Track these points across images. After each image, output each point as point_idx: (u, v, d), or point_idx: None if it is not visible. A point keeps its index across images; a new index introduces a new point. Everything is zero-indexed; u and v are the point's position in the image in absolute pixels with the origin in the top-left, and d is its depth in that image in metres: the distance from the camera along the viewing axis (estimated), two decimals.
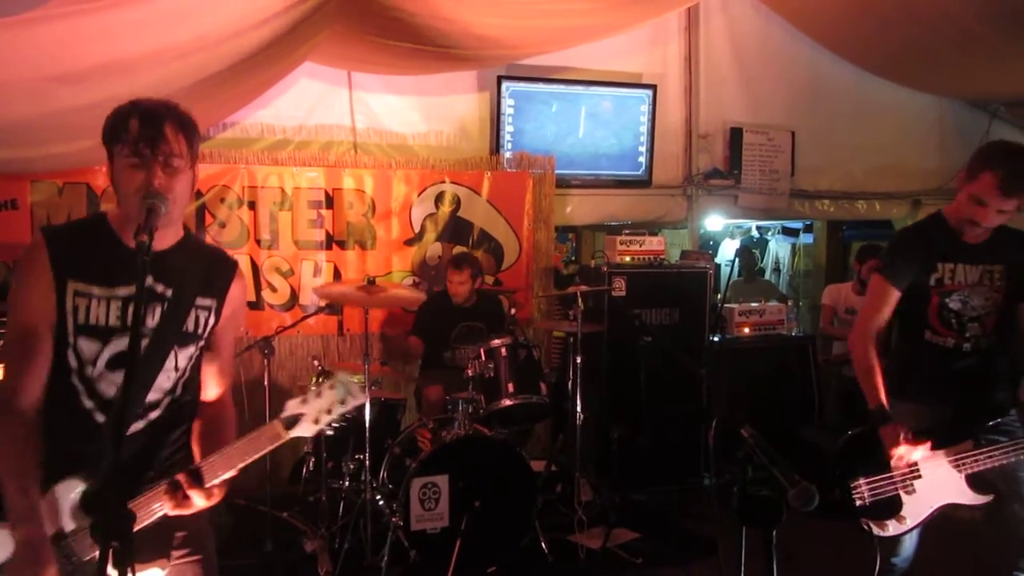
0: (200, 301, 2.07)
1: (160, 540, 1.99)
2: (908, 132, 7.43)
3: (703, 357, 5.77)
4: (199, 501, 1.86)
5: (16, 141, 4.23)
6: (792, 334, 6.25)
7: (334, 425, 1.97)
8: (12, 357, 1.95)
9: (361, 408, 4.30)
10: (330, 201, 5.56)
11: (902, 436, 2.81)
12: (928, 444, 2.85)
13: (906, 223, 7.74)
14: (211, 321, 2.10)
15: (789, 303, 6.53)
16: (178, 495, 1.84)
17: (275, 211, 5.45)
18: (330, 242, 5.59)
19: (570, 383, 4.87)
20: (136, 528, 1.82)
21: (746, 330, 6.01)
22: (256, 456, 1.91)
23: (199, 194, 5.23)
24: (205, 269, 2.11)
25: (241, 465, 1.90)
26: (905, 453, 2.83)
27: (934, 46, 6.13)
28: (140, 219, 1.84)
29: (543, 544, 4.43)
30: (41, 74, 3.64)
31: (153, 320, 1.99)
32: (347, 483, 4.55)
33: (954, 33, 5.77)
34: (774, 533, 2.13)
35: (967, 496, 2.87)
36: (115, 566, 1.51)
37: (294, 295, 5.52)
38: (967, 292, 2.90)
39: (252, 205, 5.40)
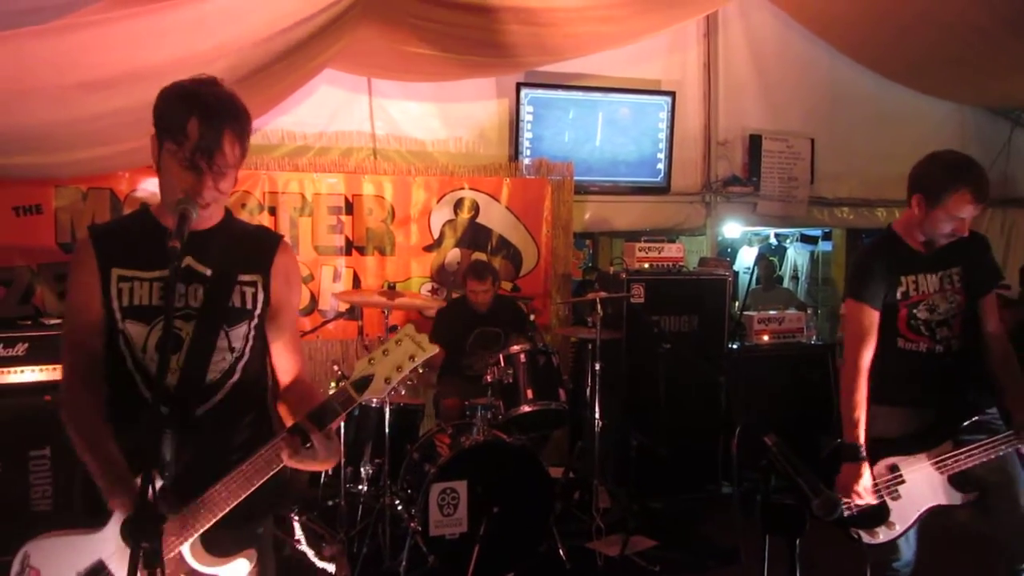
0: (243, 277, 2.06)
1: (246, 534, 1.99)
2: (929, 139, 7.30)
3: (722, 365, 5.75)
4: (321, 448, 1.85)
5: (41, 147, 4.27)
6: (811, 342, 6.21)
7: (408, 382, 1.94)
8: (68, 352, 2.00)
9: (381, 414, 4.32)
10: (350, 207, 5.59)
11: (861, 482, 2.87)
12: (874, 501, 2.92)
13: None
14: (260, 296, 2.07)
15: (808, 311, 6.49)
16: (297, 439, 1.83)
17: (295, 217, 5.48)
18: (349, 248, 5.61)
19: (588, 390, 4.87)
20: (211, 521, 1.85)
21: (765, 338, 5.99)
22: (336, 423, 1.89)
23: None
24: (248, 246, 2.10)
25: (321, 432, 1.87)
26: (856, 497, 2.89)
27: (954, 53, 6.10)
28: (174, 222, 1.84)
29: (561, 551, 4.42)
30: (67, 81, 3.68)
31: (196, 300, 1.99)
32: (366, 488, 4.55)
33: (975, 40, 5.74)
34: (797, 542, 2.12)
35: (952, 496, 2.90)
36: (145, 566, 1.52)
37: (314, 300, 5.54)
38: (932, 299, 2.99)
39: (273, 211, 5.43)
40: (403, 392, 4.55)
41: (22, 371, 4.12)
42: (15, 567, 1.89)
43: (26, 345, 4.13)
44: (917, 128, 7.26)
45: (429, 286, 5.81)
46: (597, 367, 4.77)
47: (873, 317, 2.98)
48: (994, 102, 7.35)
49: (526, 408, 4.62)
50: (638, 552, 4.63)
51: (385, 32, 4.65)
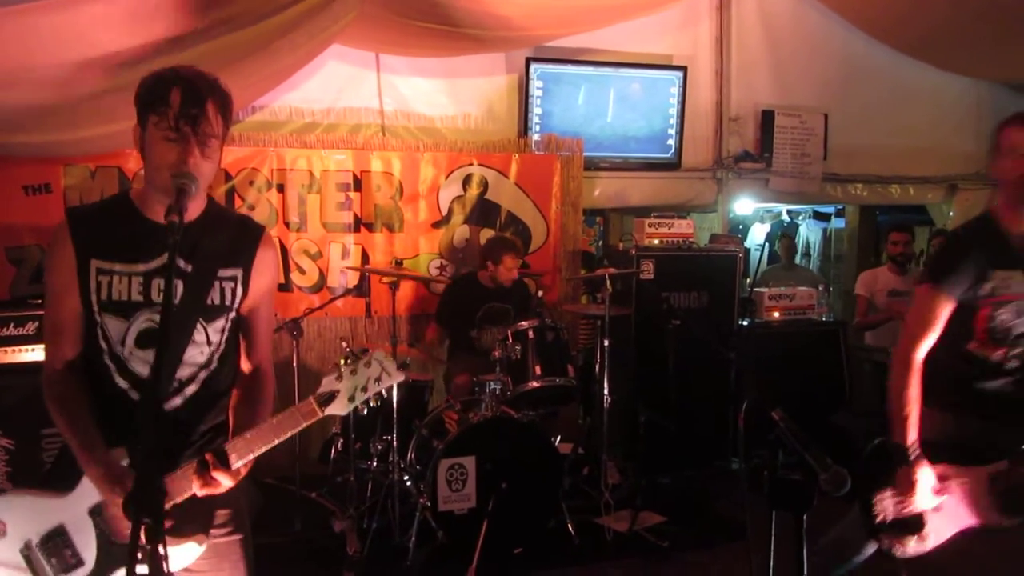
0: (223, 273, 2.05)
1: (201, 516, 1.99)
2: (944, 115, 7.28)
3: (732, 341, 5.72)
4: (225, 481, 1.87)
5: (48, 125, 4.28)
6: (823, 319, 6.17)
7: (369, 403, 1.98)
8: (49, 337, 2.01)
9: (389, 390, 4.31)
10: (358, 184, 5.57)
11: (919, 485, 2.62)
12: (943, 498, 2.66)
13: (941, 208, 7.67)
14: (239, 292, 2.07)
15: (820, 288, 6.44)
16: (205, 475, 1.85)
17: (303, 194, 5.47)
18: (358, 225, 5.60)
19: (597, 366, 4.86)
20: (170, 504, 1.85)
21: (776, 314, 5.96)
22: (290, 433, 1.92)
23: (228, 177, 5.27)
24: (229, 239, 2.08)
25: (276, 442, 1.91)
26: (917, 502, 2.64)
27: (971, 27, 6.00)
28: (170, 197, 1.82)
29: (570, 526, 4.44)
30: (72, 58, 3.68)
31: (176, 295, 1.97)
32: (375, 464, 4.58)
33: (991, 12, 5.64)
34: (805, 517, 2.11)
35: (995, 518, 2.65)
36: (147, 541, 1.53)
37: (322, 277, 5.54)
38: (1022, 302, 2.67)
39: (281, 188, 5.42)
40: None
41: (33, 349, 4.13)
42: None
43: (37, 324, 4.14)
44: (932, 104, 7.17)
45: (438, 263, 5.80)
46: (606, 343, 4.76)
47: (947, 309, 2.69)
48: (1011, 77, 7.22)
49: (534, 384, 4.61)
50: (647, 527, 4.64)
51: (392, 5, 4.60)
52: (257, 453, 1.89)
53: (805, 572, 2.14)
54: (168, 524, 1.86)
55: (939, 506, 2.67)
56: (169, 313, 1.75)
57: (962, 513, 2.68)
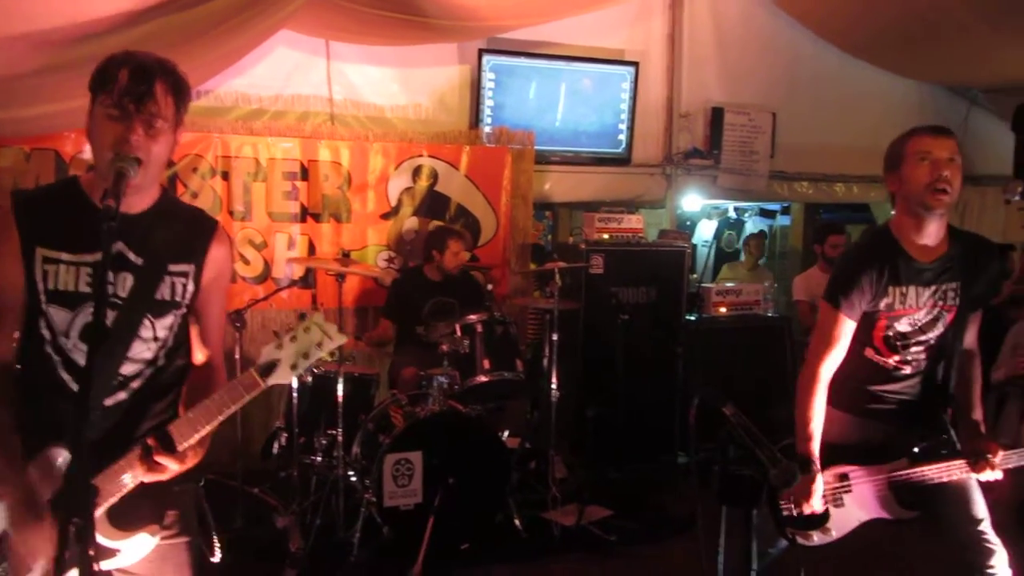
0: (174, 268, 1.97)
1: (153, 508, 1.93)
2: (888, 116, 7.38)
3: (679, 336, 5.77)
4: (171, 465, 1.80)
5: None
6: (768, 315, 6.25)
7: (313, 370, 1.92)
8: None
9: (335, 383, 4.25)
10: (305, 173, 5.46)
11: (815, 496, 2.74)
12: (828, 507, 2.82)
13: (884, 207, 7.82)
14: (190, 287, 2.01)
15: (767, 284, 6.52)
16: (149, 460, 1.78)
17: (249, 182, 5.34)
18: (305, 215, 5.49)
19: (546, 360, 4.85)
20: (112, 499, 1.80)
21: (723, 310, 6.01)
22: (234, 408, 1.85)
23: (171, 163, 5.10)
24: (182, 233, 2.01)
25: (220, 418, 1.84)
26: (808, 508, 2.77)
27: (916, 31, 6.13)
28: (109, 181, 1.74)
29: (517, 521, 4.43)
30: (5, 32, 3.52)
31: (124, 290, 1.90)
32: (319, 459, 4.50)
33: (937, 19, 5.77)
34: (754, 512, 2.11)
35: (894, 511, 2.83)
36: (77, 542, 1.45)
37: (267, 267, 5.42)
38: (917, 315, 2.77)
39: (225, 175, 5.28)
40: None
41: None
42: None
43: None
44: (877, 104, 7.30)
45: (386, 254, 5.72)
46: (555, 337, 4.75)
47: (849, 328, 2.77)
48: (953, 81, 7.41)
49: (482, 378, 4.57)
50: (594, 522, 4.64)
51: None
52: (202, 433, 1.83)
53: (754, 566, 2.15)
54: (108, 519, 1.83)
55: (841, 501, 2.84)
56: (104, 305, 1.69)
57: (865, 507, 2.85)
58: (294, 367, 1.86)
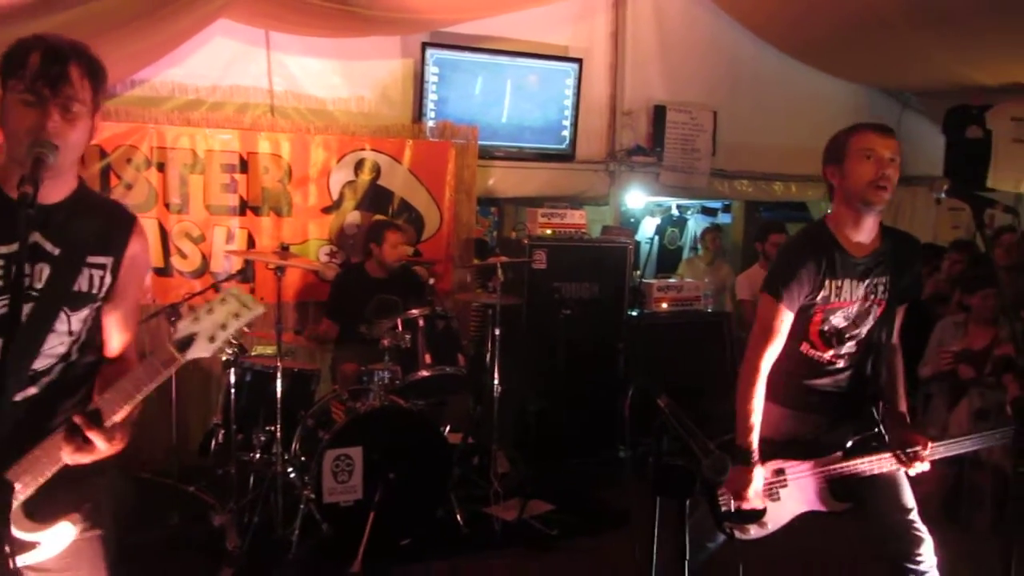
0: (93, 259, 1.91)
1: (70, 498, 1.87)
2: (825, 117, 7.49)
3: (621, 331, 5.81)
4: (100, 444, 1.74)
5: None
6: (708, 311, 6.34)
7: (232, 342, 1.86)
8: None
9: (274, 379, 4.19)
10: (245, 165, 5.36)
11: (752, 488, 2.76)
12: (764, 506, 2.84)
13: (820, 205, 7.99)
14: (107, 280, 1.95)
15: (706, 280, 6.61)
16: (77, 439, 1.72)
17: (186, 174, 5.22)
18: (244, 208, 5.39)
19: (488, 355, 4.84)
20: (27, 491, 1.74)
21: (664, 305, 6.08)
22: (152, 385, 1.80)
23: (104, 154, 4.98)
24: (100, 225, 1.95)
25: (138, 397, 1.79)
26: (746, 501, 2.79)
27: (852, 35, 6.28)
28: (25, 169, 1.68)
29: (458, 516, 4.42)
30: None
31: (40, 281, 1.83)
32: (258, 455, 4.42)
33: (872, 23, 5.91)
34: (687, 503, 2.14)
35: (828, 504, 2.88)
36: None
37: (205, 261, 5.32)
38: (851, 308, 2.82)
39: (161, 167, 5.16)
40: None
41: None
42: None
43: None
44: (815, 105, 7.44)
45: (328, 249, 5.65)
46: (497, 332, 4.75)
47: (788, 319, 2.80)
48: (887, 84, 7.61)
49: (424, 373, 4.55)
50: (535, 516, 4.66)
51: None
52: (120, 414, 1.77)
53: (687, 556, 2.18)
54: (24, 512, 1.78)
55: (777, 496, 2.87)
56: (20, 297, 1.63)
57: (800, 500, 2.90)
58: (212, 339, 1.80)
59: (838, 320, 2.84)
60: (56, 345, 1.88)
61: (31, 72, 1.72)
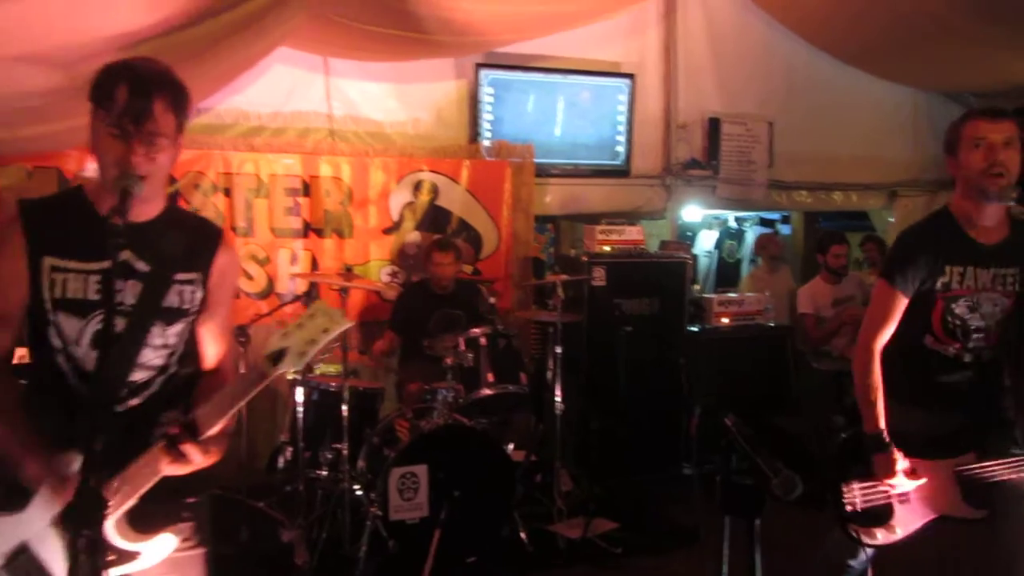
0: (181, 276, 2.00)
1: (171, 511, 1.94)
2: (884, 123, 7.46)
3: (682, 347, 5.77)
4: (195, 456, 1.80)
5: None
6: (771, 324, 6.25)
7: (321, 357, 1.91)
8: None
9: (340, 397, 4.26)
10: (307, 189, 5.49)
11: (898, 467, 2.67)
12: (924, 480, 2.71)
13: (882, 215, 7.84)
14: (199, 295, 2.03)
15: (767, 293, 6.50)
16: (174, 451, 1.78)
17: (251, 198, 5.37)
18: (307, 230, 5.51)
19: (549, 373, 4.85)
20: (129, 501, 1.81)
21: (725, 320, 6.01)
22: (246, 398, 1.84)
23: (172, 180, 5.14)
24: (187, 242, 2.03)
25: (234, 410, 1.84)
26: (899, 484, 2.69)
27: (908, 37, 6.17)
28: (114, 199, 1.77)
29: (522, 534, 4.42)
30: (6, 53, 3.55)
31: (132, 297, 1.92)
32: (325, 473, 4.49)
33: (927, 25, 5.81)
34: (757, 522, 2.12)
35: (962, 510, 2.70)
36: (88, 554, 1.46)
37: (270, 283, 5.45)
38: (976, 297, 2.72)
39: (227, 192, 5.31)
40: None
41: None
42: None
43: None
44: (872, 111, 7.34)
45: (389, 269, 5.74)
46: (558, 350, 4.75)
47: (902, 303, 2.74)
48: (946, 87, 7.44)
49: (487, 391, 4.58)
50: (600, 534, 4.62)
51: (340, 8, 4.55)
52: (217, 427, 1.82)
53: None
54: (128, 522, 1.84)
55: (906, 498, 2.73)
56: (112, 315, 1.71)
57: (929, 505, 2.74)
58: (302, 354, 1.83)
59: (961, 310, 2.74)
60: (153, 358, 1.96)
61: (118, 107, 1.80)
